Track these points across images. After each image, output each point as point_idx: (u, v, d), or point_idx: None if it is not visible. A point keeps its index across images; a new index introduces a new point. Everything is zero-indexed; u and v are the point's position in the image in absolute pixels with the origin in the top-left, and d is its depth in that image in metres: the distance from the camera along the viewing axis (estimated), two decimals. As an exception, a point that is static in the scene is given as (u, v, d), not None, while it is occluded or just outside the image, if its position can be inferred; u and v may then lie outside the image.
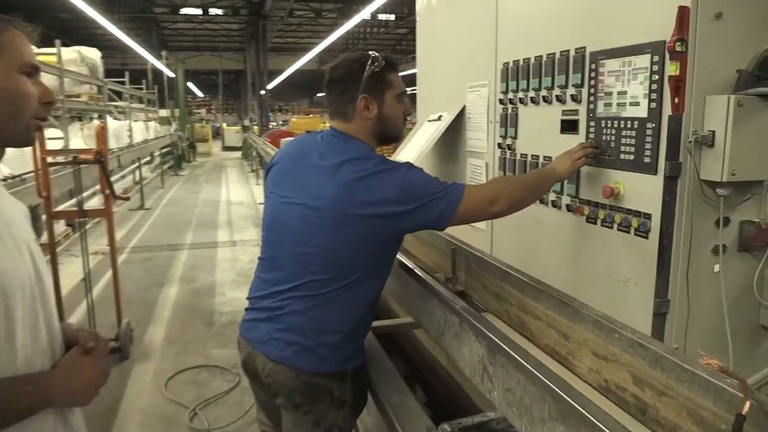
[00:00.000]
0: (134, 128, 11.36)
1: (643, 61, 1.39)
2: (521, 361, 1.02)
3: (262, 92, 20.45)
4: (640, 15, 1.41)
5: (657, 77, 1.35)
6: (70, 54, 8.89)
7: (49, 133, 5.45)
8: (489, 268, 1.61)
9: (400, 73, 1.64)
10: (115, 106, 11.11)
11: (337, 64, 1.55)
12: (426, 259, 2.12)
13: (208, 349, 3.76)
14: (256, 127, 20.27)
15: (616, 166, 1.50)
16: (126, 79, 11.54)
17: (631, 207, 1.47)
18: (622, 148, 1.47)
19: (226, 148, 23.81)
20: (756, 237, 1.39)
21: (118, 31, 14.74)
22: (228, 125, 28.41)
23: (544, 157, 1.82)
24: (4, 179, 4.09)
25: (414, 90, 3.06)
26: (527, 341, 1.38)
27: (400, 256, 1.72)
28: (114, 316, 3.66)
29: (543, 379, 0.95)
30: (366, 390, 1.54)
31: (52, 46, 6.26)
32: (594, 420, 0.82)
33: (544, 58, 1.78)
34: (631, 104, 1.44)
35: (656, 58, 1.35)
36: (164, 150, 14.13)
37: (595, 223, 1.60)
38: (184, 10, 20.64)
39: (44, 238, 3.66)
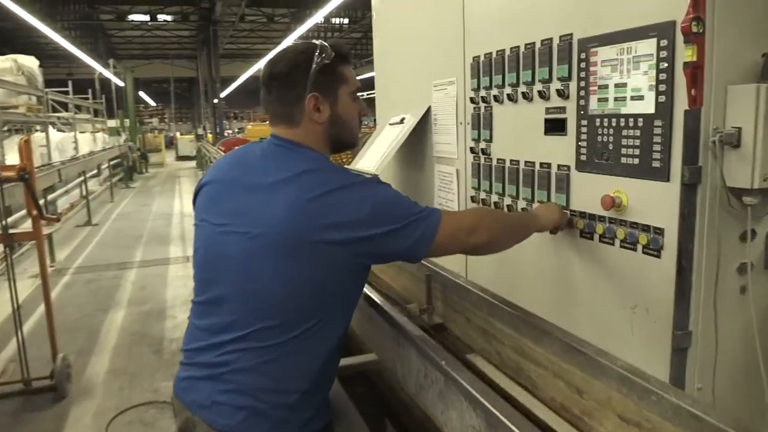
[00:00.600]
0: (80, 140, 10.80)
1: (647, 46, 1.16)
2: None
3: (216, 100, 19.94)
4: (639, -8, 1.19)
5: (666, 65, 1.12)
6: (4, 63, 8.33)
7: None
8: (472, 298, 1.36)
9: (357, 78, 1.40)
10: (58, 117, 10.52)
11: (279, 56, 1.28)
12: (394, 283, 1.86)
13: (157, 381, 3.41)
14: (210, 136, 19.73)
15: (615, 172, 1.27)
16: (69, 88, 10.96)
17: (637, 220, 1.24)
18: (624, 151, 1.24)
19: (180, 158, 23.13)
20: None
21: (62, 39, 14.10)
22: (182, 134, 27.78)
23: (526, 162, 1.58)
24: None
25: (373, 94, 2.82)
26: (527, 392, 1.13)
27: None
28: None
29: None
30: None
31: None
32: None
33: (522, 50, 1.55)
34: (633, 98, 1.21)
35: (664, 43, 1.12)
36: (114, 162, 13.50)
37: (591, 239, 1.37)
38: (132, 17, 19.97)
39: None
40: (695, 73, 1.05)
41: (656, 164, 1.17)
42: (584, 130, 1.35)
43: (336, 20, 19.41)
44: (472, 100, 1.81)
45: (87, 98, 12.90)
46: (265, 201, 1.16)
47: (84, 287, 5.41)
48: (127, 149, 14.99)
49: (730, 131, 1.07)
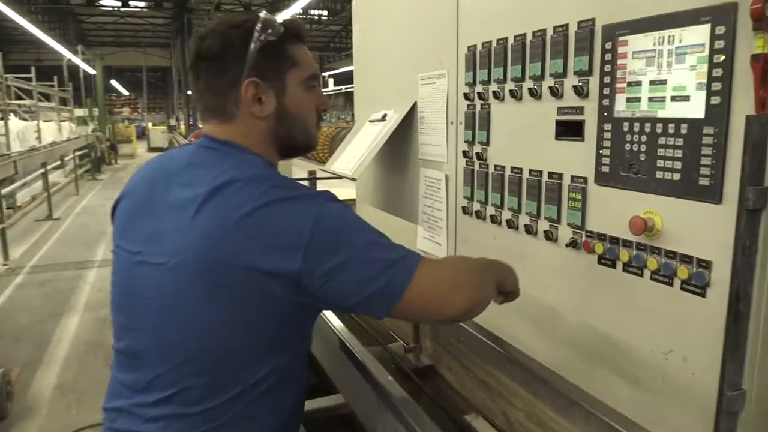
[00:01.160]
0: (44, 129, 10.34)
1: (696, 35, 0.93)
2: None
3: (189, 91, 19.43)
4: (686, -33, 0.95)
5: (722, 58, 0.89)
6: (-43, 46, 7.88)
7: None
8: (470, 341, 1.12)
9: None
10: (19, 105, 10.03)
11: (208, 31, 1.04)
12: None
13: (110, 397, 3.11)
14: (183, 127, 19.22)
15: (648, 188, 1.04)
16: (32, 75, 10.47)
17: (675, 248, 1.01)
18: (660, 163, 1.01)
19: (152, 149, 22.57)
20: None
21: (28, 23, 13.55)
22: (154, 125, 27.19)
23: (531, 171, 1.34)
24: None
25: (352, 88, 2.57)
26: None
27: (331, 318, 1.21)
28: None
29: None
30: None
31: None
32: None
33: (529, 38, 1.31)
34: (674, 99, 0.98)
35: (720, 30, 0.89)
36: (80, 153, 12.99)
37: (613, 267, 1.14)
38: (103, 2, 19.35)
39: None
40: (767, 68, 0.82)
41: (704, 181, 0.94)
42: (607, 135, 1.11)
43: (315, 12, 19.03)
44: (466, 97, 1.56)
45: (52, 86, 12.37)
46: (184, 221, 0.92)
47: (38, 289, 5.06)
48: (95, 139, 14.46)
49: (810, 144, 0.84)
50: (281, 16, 1.09)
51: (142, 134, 25.85)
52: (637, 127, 1.05)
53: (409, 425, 0.92)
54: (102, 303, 4.57)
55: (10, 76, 8.63)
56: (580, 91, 1.16)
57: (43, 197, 8.83)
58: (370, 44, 2.25)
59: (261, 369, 0.90)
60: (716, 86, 0.90)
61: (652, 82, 1.01)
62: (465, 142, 1.60)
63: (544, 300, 1.33)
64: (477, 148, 1.54)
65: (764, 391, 0.93)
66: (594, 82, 1.14)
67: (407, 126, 1.91)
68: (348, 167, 1.97)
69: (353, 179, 1.89)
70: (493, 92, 1.43)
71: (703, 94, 0.93)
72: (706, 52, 0.91)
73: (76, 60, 16.44)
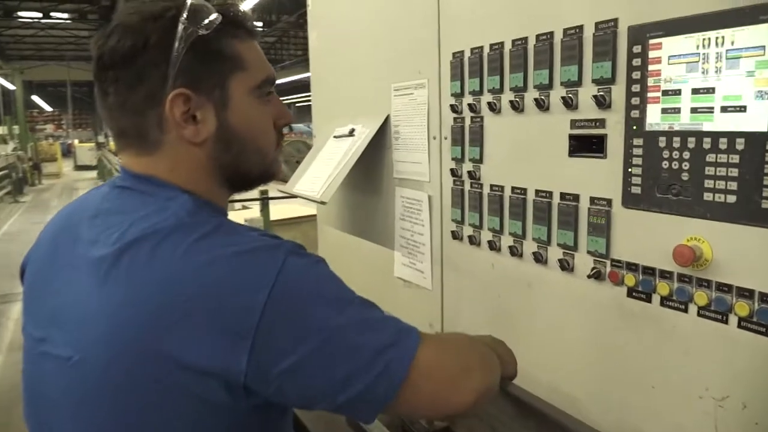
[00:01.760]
0: (-44, 150, 9.58)
1: (756, 36, 0.80)
2: None
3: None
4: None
5: (792, 61, 0.77)
6: None
7: None
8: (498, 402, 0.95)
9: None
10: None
11: (114, 25, 0.78)
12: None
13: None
14: (113, 144, 18.42)
15: (693, 212, 0.91)
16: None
17: (730, 281, 0.87)
18: (708, 184, 0.88)
19: (79, 167, 21.49)
20: None
21: (-66, 36, 12.59)
22: (81, 142, 26.01)
23: (538, 192, 1.19)
24: None
25: (298, 98, 2.38)
26: None
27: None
28: None
29: None
30: None
31: None
32: None
33: (533, 43, 1.16)
34: (725, 110, 0.85)
35: (788, 28, 0.76)
36: (-1, 173, 12.15)
37: (648, 301, 1.00)
38: (21, 14, 18.29)
39: None
40: None
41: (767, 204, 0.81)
42: (638, 152, 0.97)
43: (249, 23, 18.67)
44: (453, 109, 1.41)
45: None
46: (87, 296, 0.69)
47: (-46, 327, 4.57)
48: (15, 159, 13.56)
49: None
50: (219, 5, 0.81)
51: (68, 152, 24.63)
52: (677, 142, 0.91)
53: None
54: (29, 340, 4.17)
55: None
56: (602, 102, 1.02)
57: (-43, 223, 8.13)
58: (330, 52, 2.07)
59: None
60: (784, 95, 0.78)
61: (695, 91, 0.88)
62: (452, 159, 1.44)
63: (560, 336, 1.18)
64: (468, 166, 1.39)
65: None
66: (618, 91, 1.00)
67: (378, 141, 1.74)
68: (315, 189, 1.78)
69: (323, 203, 1.70)
70: (488, 103, 1.28)
71: (764, 104, 0.80)
72: (769, 56, 0.79)
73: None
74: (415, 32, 1.54)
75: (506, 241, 1.29)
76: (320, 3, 2.10)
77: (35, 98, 29.61)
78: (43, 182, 16.80)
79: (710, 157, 0.87)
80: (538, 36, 1.15)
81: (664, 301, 0.97)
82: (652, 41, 0.93)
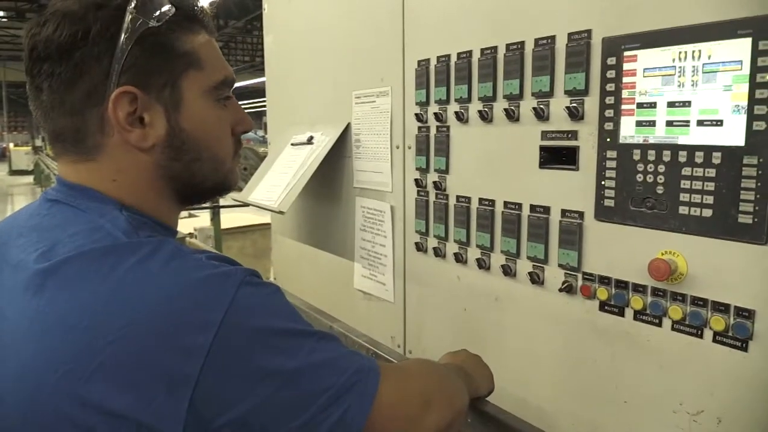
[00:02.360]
0: None
1: (732, 50, 0.80)
2: None
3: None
4: (710, -27, 0.83)
5: (768, 77, 0.77)
6: None
7: None
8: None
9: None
10: None
11: (50, 13, 0.68)
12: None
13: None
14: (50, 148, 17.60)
15: (667, 226, 0.90)
16: None
17: (705, 295, 0.87)
18: (684, 197, 0.87)
19: (14, 173, 20.40)
20: None
21: None
22: (17, 145, 24.80)
23: (507, 204, 1.17)
24: None
25: (245, 104, 2.30)
26: None
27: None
28: None
29: None
30: None
31: None
32: None
33: (503, 52, 1.14)
34: (702, 124, 0.85)
35: (766, 45, 0.77)
36: None
37: (620, 315, 0.99)
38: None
39: None
40: (835, 89, 0.70)
41: (744, 219, 0.81)
42: (611, 164, 0.97)
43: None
44: (417, 118, 1.38)
45: None
46: (8, 327, 0.60)
47: None
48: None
49: None
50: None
51: (3, 156, 23.44)
52: (652, 155, 0.91)
53: None
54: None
55: None
56: (575, 113, 1.00)
57: None
58: (287, 57, 2.01)
59: None
60: (760, 110, 0.78)
61: (671, 104, 0.88)
62: (417, 169, 1.41)
63: (530, 350, 1.16)
64: (433, 177, 1.36)
65: (823, 460, 0.81)
66: (591, 103, 0.99)
67: (338, 149, 1.69)
68: (272, 198, 1.71)
69: (281, 212, 1.64)
70: (455, 113, 1.25)
71: (741, 118, 0.80)
72: (746, 71, 0.79)
73: None
74: (378, 38, 1.50)
75: (473, 253, 1.26)
76: (277, 6, 2.04)
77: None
78: (-30, 188, 15.86)
79: (686, 171, 0.87)
80: (508, 45, 1.13)
81: (638, 315, 0.96)
82: (627, 53, 0.92)
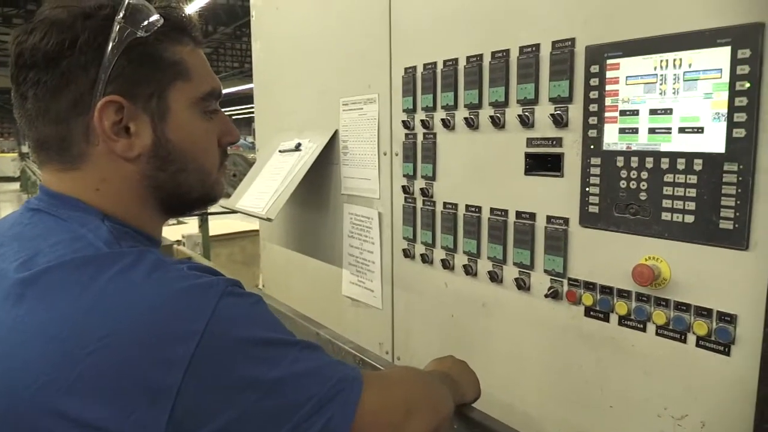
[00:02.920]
0: None
1: (712, 58, 0.81)
2: None
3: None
4: (689, -18, 0.84)
5: (748, 85, 0.78)
6: None
7: None
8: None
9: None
10: None
11: (38, 21, 0.69)
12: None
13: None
14: (35, 154, 17.43)
15: (651, 232, 0.91)
16: None
17: (688, 300, 0.88)
18: (666, 203, 0.88)
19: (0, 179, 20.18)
20: None
21: None
22: (3, 152, 24.61)
23: (493, 210, 1.18)
24: None
25: (234, 111, 2.30)
26: None
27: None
28: None
29: None
30: None
31: None
32: None
33: (488, 60, 1.15)
34: (683, 131, 0.86)
35: (744, 53, 0.78)
36: None
37: (605, 320, 1.00)
38: (-69, 14, 17.19)
39: None
40: (812, 96, 0.72)
41: (725, 224, 0.82)
42: (595, 171, 0.97)
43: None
44: (405, 125, 1.38)
45: None
46: None
47: None
48: None
49: None
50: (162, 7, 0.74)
51: (-13, 163, 23.21)
52: (635, 162, 0.92)
53: None
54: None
55: None
56: (559, 120, 1.01)
57: None
58: (275, 64, 2.01)
59: None
60: (740, 117, 0.79)
61: (653, 111, 0.89)
62: (404, 176, 1.41)
63: (516, 355, 1.17)
64: (420, 183, 1.36)
65: (804, 463, 0.82)
66: (575, 110, 1.00)
67: (326, 156, 1.69)
68: (260, 205, 1.71)
69: (269, 219, 1.64)
70: (442, 120, 1.26)
71: (722, 125, 0.81)
72: (726, 79, 0.80)
73: None
74: (365, 46, 1.51)
75: (460, 259, 1.27)
76: (265, 13, 2.04)
77: (-53, 105, 27.80)
78: (-45, 195, 15.68)
79: (668, 177, 0.88)
80: (493, 53, 1.14)
81: (623, 321, 0.97)
82: (609, 61, 0.94)
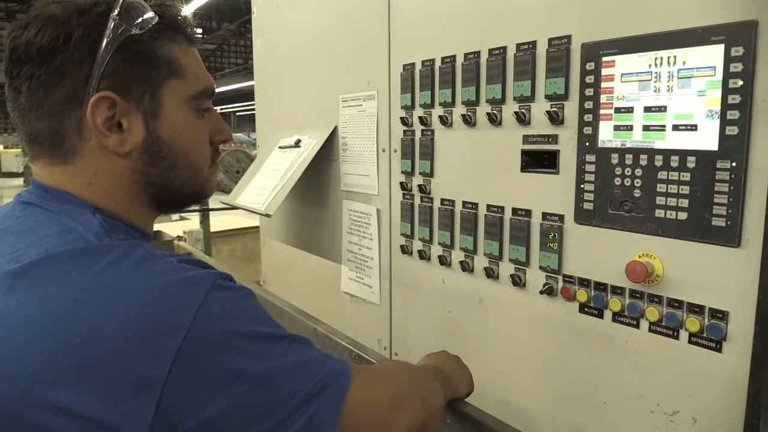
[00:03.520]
0: None
1: (706, 56, 0.82)
2: None
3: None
4: (684, -20, 0.85)
5: (741, 83, 0.78)
6: None
7: None
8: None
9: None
10: None
11: (33, 16, 0.69)
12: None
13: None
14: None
15: (644, 229, 0.91)
16: None
17: (680, 297, 0.88)
18: (660, 200, 0.89)
19: (4, 174, 20.23)
20: None
21: None
22: (7, 147, 24.63)
23: (489, 207, 1.18)
24: None
25: (238, 107, 2.31)
26: None
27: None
28: None
29: None
30: None
31: None
32: None
33: (485, 57, 1.16)
34: (677, 128, 0.86)
35: (737, 51, 0.78)
36: None
37: (600, 317, 1.00)
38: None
39: None
40: (803, 94, 0.72)
41: (718, 222, 0.82)
42: (590, 168, 0.98)
43: (186, 29, 18.24)
44: (403, 121, 1.39)
45: None
46: None
47: None
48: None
49: None
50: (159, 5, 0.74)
51: (-8, 158, 23.26)
52: (629, 159, 0.92)
53: None
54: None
55: None
56: (555, 118, 1.02)
57: None
58: (275, 61, 2.02)
59: None
60: (733, 115, 0.80)
61: (647, 109, 0.89)
62: (402, 172, 1.42)
63: (511, 351, 1.17)
64: (418, 180, 1.37)
65: (794, 459, 0.83)
66: (571, 107, 1.00)
67: (325, 153, 1.70)
68: (260, 201, 1.71)
69: (267, 215, 1.64)
70: (439, 117, 1.27)
71: (715, 123, 0.81)
72: (719, 77, 0.80)
73: None
74: (364, 43, 1.52)
75: (457, 256, 1.27)
76: (266, 10, 2.05)
77: (-49, 100, 27.90)
78: (-41, 190, 15.73)
79: (662, 175, 0.88)
80: (490, 50, 1.14)
81: (616, 317, 0.97)
82: (605, 59, 0.94)
